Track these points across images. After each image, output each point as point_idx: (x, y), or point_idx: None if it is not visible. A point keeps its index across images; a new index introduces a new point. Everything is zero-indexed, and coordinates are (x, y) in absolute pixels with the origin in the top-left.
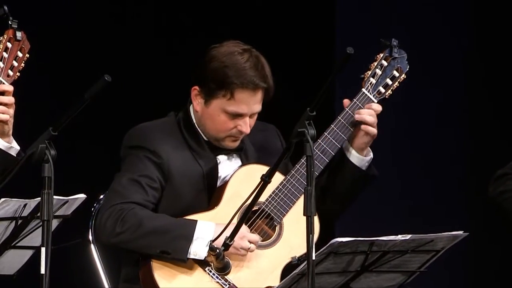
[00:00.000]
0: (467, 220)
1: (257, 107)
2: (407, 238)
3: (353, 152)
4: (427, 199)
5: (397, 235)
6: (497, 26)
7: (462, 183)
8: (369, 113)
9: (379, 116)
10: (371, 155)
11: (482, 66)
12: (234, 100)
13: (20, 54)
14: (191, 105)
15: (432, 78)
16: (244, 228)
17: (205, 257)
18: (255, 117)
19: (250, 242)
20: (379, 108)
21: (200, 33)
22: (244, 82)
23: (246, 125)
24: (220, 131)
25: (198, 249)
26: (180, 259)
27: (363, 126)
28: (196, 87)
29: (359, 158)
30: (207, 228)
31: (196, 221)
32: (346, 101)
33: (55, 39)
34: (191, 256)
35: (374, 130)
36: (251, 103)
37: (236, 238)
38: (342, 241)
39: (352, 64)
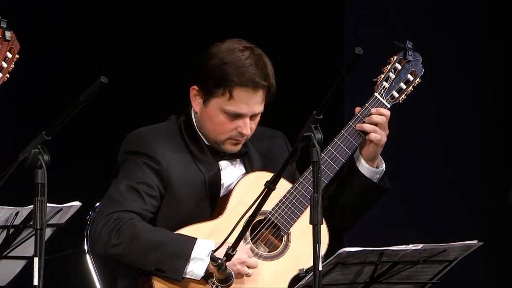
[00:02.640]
0: (481, 228)
1: (258, 108)
2: (418, 247)
3: (363, 162)
4: (440, 207)
5: (408, 244)
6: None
7: (475, 190)
8: (374, 120)
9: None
10: (383, 166)
11: (496, 68)
12: (233, 100)
13: (9, 55)
14: (192, 108)
15: (442, 81)
16: (245, 252)
17: (202, 276)
18: (257, 119)
19: (249, 267)
20: (386, 113)
21: (204, 34)
22: (243, 80)
23: (246, 127)
24: (219, 133)
25: (194, 269)
26: (174, 279)
27: (366, 126)
28: (195, 87)
29: (369, 169)
30: (206, 247)
31: (195, 239)
32: (357, 109)
33: (49, 40)
34: (187, 276)
35: (377, 137)
36: (251, 103)
37: (236, 262)
38: (350, 251)
39: (363, 66)
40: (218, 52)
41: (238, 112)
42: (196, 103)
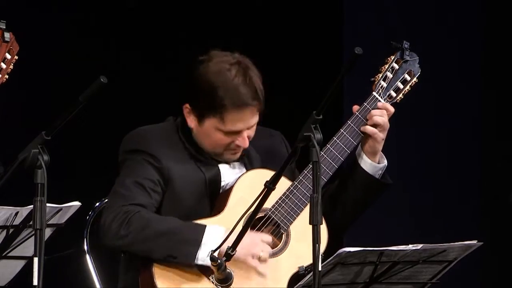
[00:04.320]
0: (481, 228)
1: (253, 121)
2: (418, 247)
3: (365, 158)
4: (440, 206)
5: (407, 244)
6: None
7: (475, 190)
8: (380, 113)
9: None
10: (385, 162)
11: (496, 67)
12: (228, 120)
13: (8, 56)
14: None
15: (442, 80)
16: (257, 235)
17: (205, 273)
18: (254, 128)
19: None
20: (392, 109)
21: (203, 34)
22: (236, 102)
23: (244, 140)
24: (217, 147)
25: (206, 255)
26: (186, 264)
27: (368, 129)
28: (187, 106)
29: (372, 165)
30: (217, 233)
31: (204, 225)
32: (355, 107)
33: (48, 40)
34: (199, 262)
35: (380, 134)
36: (245, 120)
37: (250, 244)
38: (350, 251)
39: (362, 66)
40: (206, 73)
41: (234, 130)
42: (191, 119)
